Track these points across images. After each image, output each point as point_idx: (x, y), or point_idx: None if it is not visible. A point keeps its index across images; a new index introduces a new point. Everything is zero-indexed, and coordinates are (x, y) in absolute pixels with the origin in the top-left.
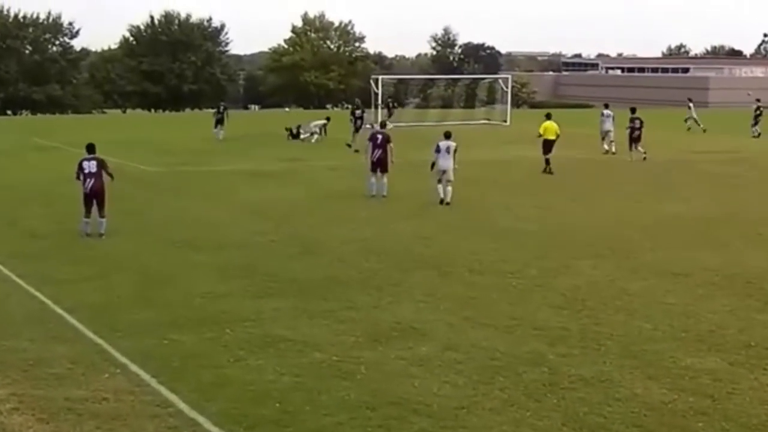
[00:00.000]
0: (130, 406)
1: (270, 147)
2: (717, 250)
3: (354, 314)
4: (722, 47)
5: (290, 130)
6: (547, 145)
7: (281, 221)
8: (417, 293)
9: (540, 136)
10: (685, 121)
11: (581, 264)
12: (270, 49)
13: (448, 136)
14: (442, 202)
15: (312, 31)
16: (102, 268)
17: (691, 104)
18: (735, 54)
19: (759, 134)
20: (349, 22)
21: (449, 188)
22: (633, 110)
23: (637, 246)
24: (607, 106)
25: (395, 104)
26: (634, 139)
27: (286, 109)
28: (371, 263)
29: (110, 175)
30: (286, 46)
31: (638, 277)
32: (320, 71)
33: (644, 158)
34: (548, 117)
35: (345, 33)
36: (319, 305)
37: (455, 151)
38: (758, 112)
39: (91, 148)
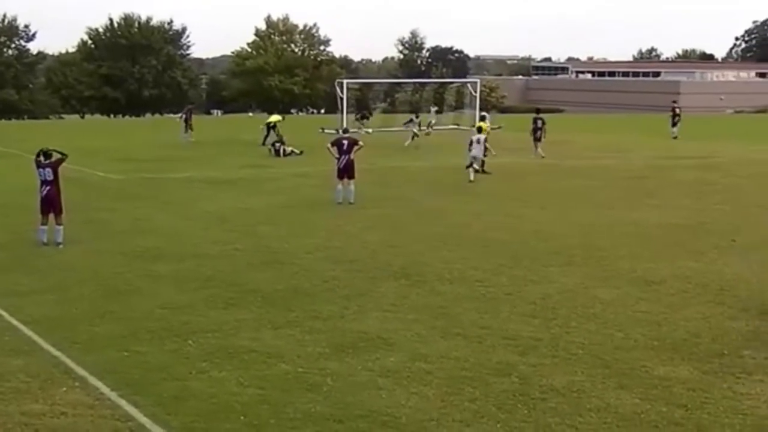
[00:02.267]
0: (89, 420)
1: (233, 154)
2: (690, 257)
3: (320, 324)
4: (693, 51)
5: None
6: None
7: (245, 230)
8: (384, 303)
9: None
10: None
11: (552, 272)
12: (233, 52)
13: (479, 130)
14: (475, 172)
15: (276, 35)
16: (60, 279)
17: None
18: (706, 58)
19: (676, 136)
20: (314, 25)
21: (471, 170)
22: (537, 111)
23: (609, 254)
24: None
25: (369, 113)
26: (536, 139)
27: (250, 114)
28: (337, 272)
29: (62, 158)
30: (249, 50)
31: (610, 285)
32: (285, 75)
33: (542, 157)
34: (482, 119)
35: (310, 36)
36: (284, 316)
37: (485, 140)
38: (676, 113)
39: (44, 155)
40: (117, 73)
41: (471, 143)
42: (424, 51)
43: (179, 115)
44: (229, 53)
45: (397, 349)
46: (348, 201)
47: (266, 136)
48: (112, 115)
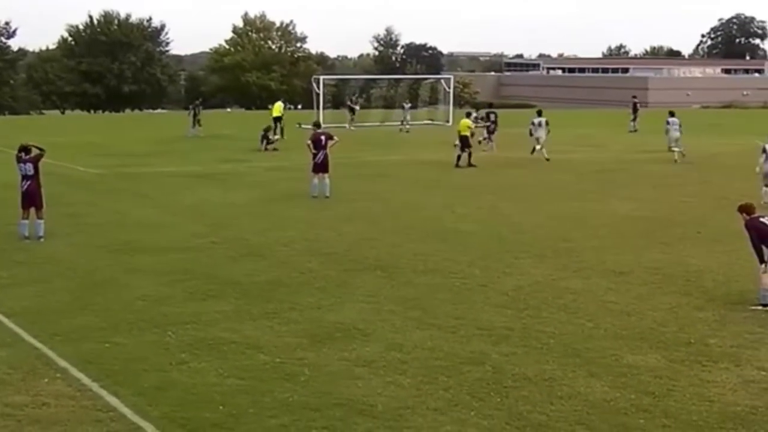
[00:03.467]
0: (70, 411)
1: (213, 149)
2: (658, 249)
3: (297, 315)
4: (661, 48)
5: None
6: (463, 141)
7: (223, 224)
8: (361, 294)
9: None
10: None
11: (524, 264)
12: (211, 49)
13: (540, 113)
14: (533, 151)
15: (253, 32)
16: (41, 272)
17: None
18: (674, 54)
19: (636, 129)
20: (291, 22)
21: (543, 150)
22: (490, 105)
23: (580, 245)
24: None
25: (355, 104)
26: (490, 132)
27: (228, 109)
28: (314, 265)
29: (41, 153)
30: (227, 47)
31: (580, 276)
32: (262, 72)
33: (484, 151)
34: (467, 115)
35: (286, 33)
36: (262, 307)
37: (547, 123)
38: (635, 108)
39: (25, 150)
40: (97, 69)
41: (533, 123)
42: (398, 48)
43: (189, 110)
44: (207, 50)
45: (373, 340)
46: (324, 195)
47: (281, 129)
48: (92, 111)
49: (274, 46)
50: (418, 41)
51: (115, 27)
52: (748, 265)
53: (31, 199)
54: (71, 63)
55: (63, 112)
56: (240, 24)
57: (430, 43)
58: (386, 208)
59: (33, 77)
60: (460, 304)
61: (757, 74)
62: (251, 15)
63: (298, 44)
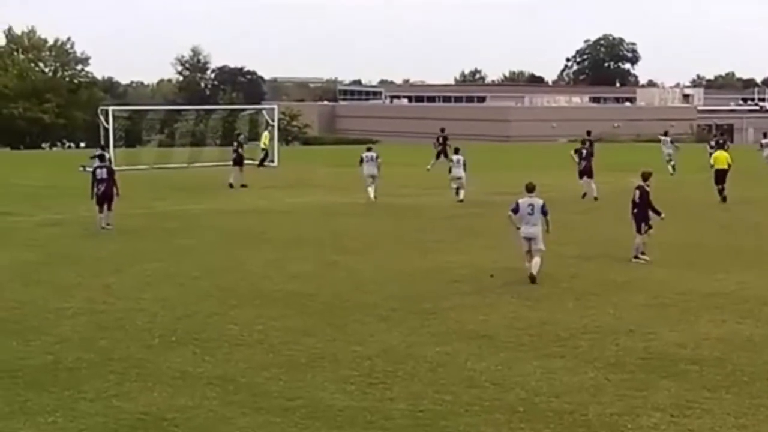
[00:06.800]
0: None
1: None
2: (524, 304)
3: (86, 407)
4: (522, 73)
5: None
6: (720, 175)
7: None
8: (170, 375)
9: (712, 166)
10: (668, 161)
11: (371, 329)
12: None
13: (530, 189)
14: (532, 280)
15: (19, 51)
16: None
17: (667, 138)
18: (536, 81)
19: (429, 169)
20: (68, 39)
21: (537, 259)
22: (238, 135)
23: (435, 305)
24: (369, 149)
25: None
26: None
27: None
28: (107, 341)
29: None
30: None
31: (437, 342)
32: (32, 101)
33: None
34: (720, 146)
35: (63, 53)
36: (40, 399)
37: (543, 209)
38: (440, 142)
39: (102, 158)
40: None
41: (517, 210)
42: (208, 72)
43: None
44: None
45: None
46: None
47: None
48: None
49: (47, 69)
50: (233, 64)
51: None
52: (637, 321)
53: (105, 198)
54: None
55: None
56: (2, 41)
57: (248, 67)
58: (196, 268)
59: None
60: (293, 382)
61: (628, 103)
62: (17, 30)
63: (79, 67)
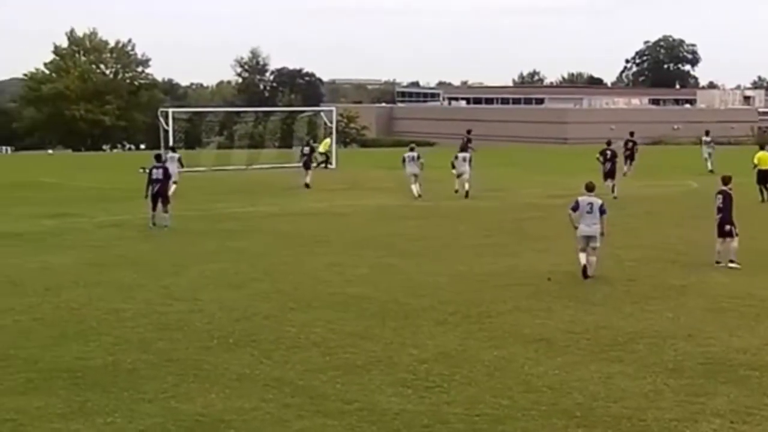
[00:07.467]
0: None
1: (29, 202)
2: (582, 308)
3: (145, 407)
4: (580, 75)
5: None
6: (762, 175)
7: (45, 295)
8: (226, 377)
9: (755, 166)
10: (706, 160)
11: (426, 333)
12: (25, 74)
13: (590, 188)
14: (585, 274)
15: (81, 53)
16: None
17: (708, 138)
18: (595, 82)
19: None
20: (129, 41)
21: (593, 258)
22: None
23: (491, 308)
24: (412, 149)
25: (311, 145)
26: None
27: (50, 151)
28: (165, 343)
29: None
30: (47, 72)
31: (493, 346)
32: (93, 103)
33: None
34: (762, 147)
35: (123, 55)
36: (99, 399)
37: (602, 209)
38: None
39: (158, 158)
40: None
41: (577, 207)
42: (267, 74)
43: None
44: (20, 76)
45: None
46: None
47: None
48: None
49: (108, 71)
50: (292, 66)
51: None
52: (695, 325)
53: (160, 196)
54: None
55: None
56: (64, 43)
57: (307, 69)
58: (254, 270)
59: None
60: (351, 385)
61: (688, 105)
62: (79, 32)
63: (139, 69)
